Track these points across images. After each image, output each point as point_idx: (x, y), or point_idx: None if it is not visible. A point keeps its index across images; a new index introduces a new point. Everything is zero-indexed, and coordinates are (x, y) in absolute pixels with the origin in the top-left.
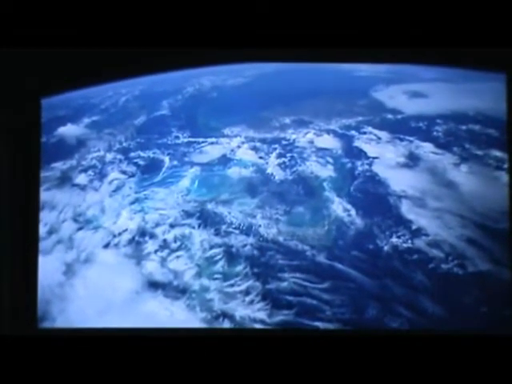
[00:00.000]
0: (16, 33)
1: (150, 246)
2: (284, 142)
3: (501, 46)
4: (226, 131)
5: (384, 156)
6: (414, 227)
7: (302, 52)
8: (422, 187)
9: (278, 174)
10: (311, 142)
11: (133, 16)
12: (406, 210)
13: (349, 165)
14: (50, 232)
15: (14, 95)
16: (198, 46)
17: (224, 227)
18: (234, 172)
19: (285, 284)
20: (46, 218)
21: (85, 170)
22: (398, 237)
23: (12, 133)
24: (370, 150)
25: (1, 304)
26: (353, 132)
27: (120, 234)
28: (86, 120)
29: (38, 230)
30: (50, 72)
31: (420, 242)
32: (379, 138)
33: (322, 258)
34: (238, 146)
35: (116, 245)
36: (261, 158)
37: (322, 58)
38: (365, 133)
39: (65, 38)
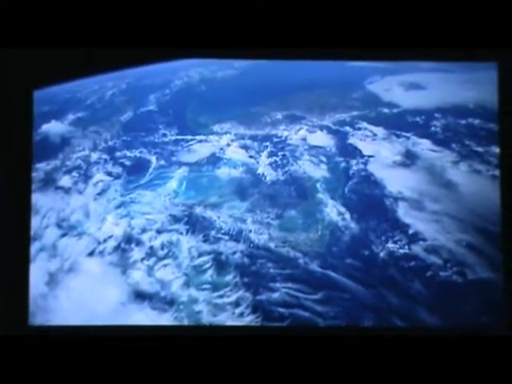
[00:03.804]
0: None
1: (136, 253)
2: (275, 140)
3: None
4: (216, 128)
5: (380, 154)
6: (410, 232)
7: (297, 51)
8: (420, 188)
9: (270, 175)
10: (304, 140)
11: (135, 16)
12: (403, 213)
13: (343, 164)
14: (34, 238)
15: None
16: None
17: (213, 233)
18: (223, 173)
19: (276, 295)
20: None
21: (69, 172)
22: (395, 242)
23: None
24: (365, 147)
25: None
26: (347, 128)
27: (105, 240)
28: (71, 116)
29: (29, 238)
30: (38, 65)
31: (417, 248)
32: (375, 135)
33: (315, 267)
34: (228, 144)
35: (101, 252)
36: (251, 157)
37: (316, 55)
38: (360, 129)
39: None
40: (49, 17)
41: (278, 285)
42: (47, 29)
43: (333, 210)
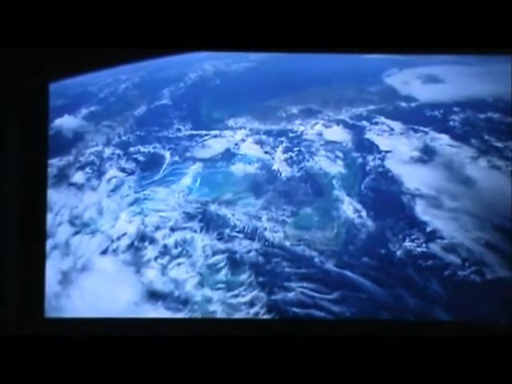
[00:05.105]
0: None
1: (150, 252)
2: (291, 135)
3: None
4: (230, 123)
5: (397, 149)
6: (428, 229)
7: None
8: (438, 185)
9: (285, 171)
10: (320, 135)
11: (136, 17)
12: (421, 210)
13: (359, 160)
14: (47, 236)
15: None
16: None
17: (227, 231)
18: (238, 169)
19: (291, 294)
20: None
21: (82, 168)
22: (412, 240)
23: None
24: (383, 142)
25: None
26: (364, 122)
27: (118, 238)
28: (84, 111)
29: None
30: (52, 59)
31: (435, 247)
32: (392, 129)
33: (330, 266)
34: (243, 140)
35: (114, 251)
36: (266, 152)
37: (332, 48)
38: (377, 123)
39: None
40: (59, 16)
41: (293, 284)
42: (55, 27)
43: (349, 208)
